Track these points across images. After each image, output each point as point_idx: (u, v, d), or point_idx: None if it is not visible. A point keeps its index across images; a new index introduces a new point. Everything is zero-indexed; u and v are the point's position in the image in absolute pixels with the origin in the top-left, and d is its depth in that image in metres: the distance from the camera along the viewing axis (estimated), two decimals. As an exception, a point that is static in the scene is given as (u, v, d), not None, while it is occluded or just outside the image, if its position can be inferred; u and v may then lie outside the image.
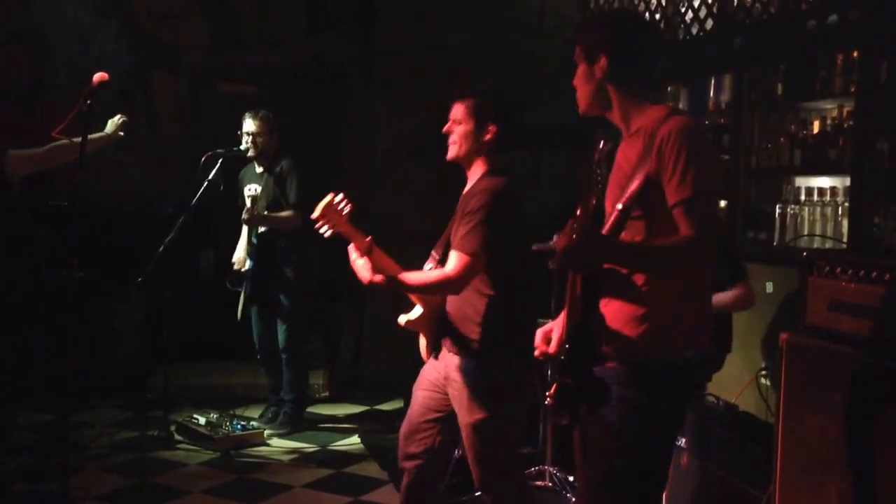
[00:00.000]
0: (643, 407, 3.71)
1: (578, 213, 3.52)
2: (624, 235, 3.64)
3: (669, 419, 3.87)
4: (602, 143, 3.61)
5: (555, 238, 6.92)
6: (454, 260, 4.71)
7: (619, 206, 3.57)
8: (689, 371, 3.83)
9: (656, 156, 3.59)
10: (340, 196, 4.93)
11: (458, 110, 5.12)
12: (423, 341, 5.20)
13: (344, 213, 4.92)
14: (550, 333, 4.09)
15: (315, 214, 4.96)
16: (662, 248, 3.62)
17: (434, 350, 5.13)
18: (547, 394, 3.82)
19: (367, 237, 4.94)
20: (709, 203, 3.67)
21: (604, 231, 3.57)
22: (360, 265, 4.86)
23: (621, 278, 3.72)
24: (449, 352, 4.97)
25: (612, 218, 3.58)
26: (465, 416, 4.88)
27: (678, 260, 3.61)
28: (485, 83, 5.08)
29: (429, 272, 4.81)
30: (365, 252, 4.90)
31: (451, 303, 4.99)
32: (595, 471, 3.86)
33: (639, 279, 3.71)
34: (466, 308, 4.91)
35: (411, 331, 5.18)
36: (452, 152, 5.16)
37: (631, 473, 3.76)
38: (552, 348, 4.04)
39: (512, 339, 4.85)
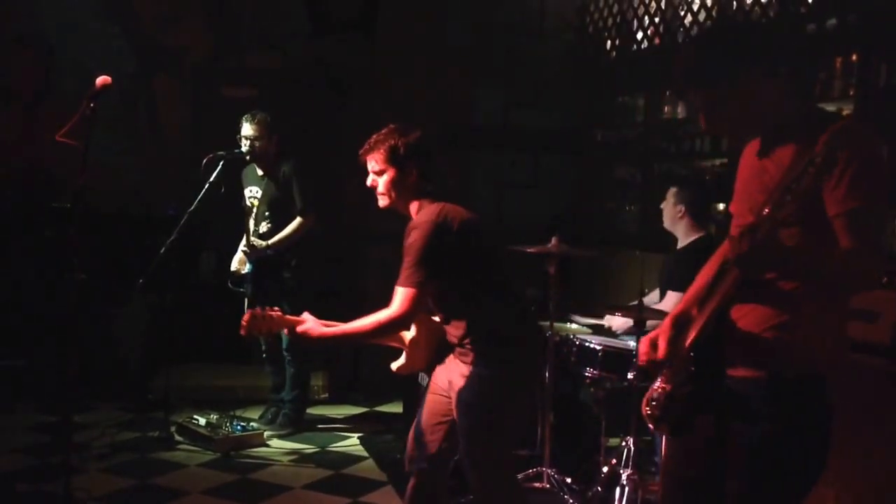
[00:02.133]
0: (785, 423, 3.52)
1: (765, 220, 3.31)
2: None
3: (814, 435, 3.58)
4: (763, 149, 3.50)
5: (552, 241, 6.94)
6: (399, 296, 4.72)
7: (767, 210, 3.31)
8: (824, 384, 3.58)
9: (822, 156, 3.27)
10: (257, 309, 4.91)
11: (374, 161, 5.05)
12: (402, 358, 5.21)
13: (269, 315, 4.89)
14: (656, 340, 3.88)
15: (243, 333, 4.96)
16: (830, 258, 3.43)
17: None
18: (645, 404, 3.76)
19: (300, 316, 4.90)
20: (876, 214, 3.48)
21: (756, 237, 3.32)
22: (309, 328, 4.84)
23: (766, 283, 3.54)
24: (456, 358, 4.99)
25: (768, 222, 3.30)
26: (463, 420, 4.89)
27: (843, 271, 3.44)
28: (390, 128, 4.99)
29: (376, 315, 4.76)
30: (305, 321, 4.89)
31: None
32: (737, 490, 3.64)
33: (786, 285, 3.53)
34: (459, 324, 4.96)
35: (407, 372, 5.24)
36: (384, 203, 5.11)
37: (772, 494, 3.58)
38: (660, 354, 3.84)
39: (507, 344, 4.87)
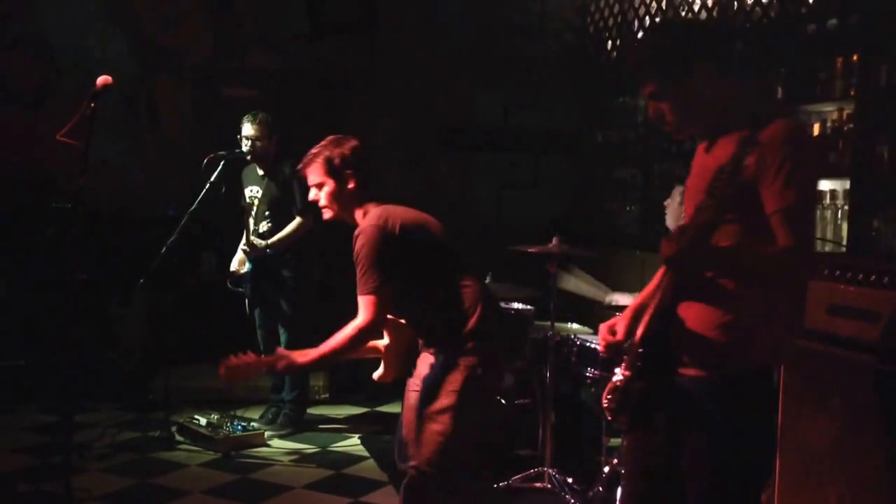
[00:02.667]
0: (730, 418, 3.62)
1: (689, 220, 3.46)
2: (714, 239, 3.54)
3: (760, 431, 3.75)
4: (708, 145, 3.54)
5: (553, 241, 6.93)
6: (362, 304, 4.75)
7: (712, 210, 3.45)
8: (771, 379, 3.75)
9: (757, 158, 3.41)
10: (231, 359, 4.88)
11: (313, 175, 5.07)
12: (380, 367, 5.21)
13: (244, 361, 4.88)
14: (615, 326, 4.00)
15: (225, 381, 4.97)
16: (764, 256, 3.52)
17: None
18: (604, 396, 3.81)
19: (272, 357, 4.91)
20: (810, 211, 3.58)
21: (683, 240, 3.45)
22: (290, 361, 4.85)
23: (707, 282, 3.63)
24: (424, 353, 5.04)
25: (705, 221, 3.44)
26: (419, 404, 4.89)
27: (779, 269, 3.54)
28: (326, 140, 5.00)
29: (344, 329, 4.76)
30: (282, 357, 4.89)
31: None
32: (692, 482, 3.73)
33: (728, 284, 3.62)
34: (419, 323, 5.02)
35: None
36: (328, 215, 5.15)
37: (728, 486, 3.67)
38: (619, 336, 3.95)
39: (468, 339, 4.84)
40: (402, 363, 5.14)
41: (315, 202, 5.13)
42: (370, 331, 4.79)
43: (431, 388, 4.88)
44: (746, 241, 3.55)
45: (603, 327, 4.05)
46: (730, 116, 3.74)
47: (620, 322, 4.00)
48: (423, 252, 4.94)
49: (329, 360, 5.00)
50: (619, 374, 3.78)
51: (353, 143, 5.10)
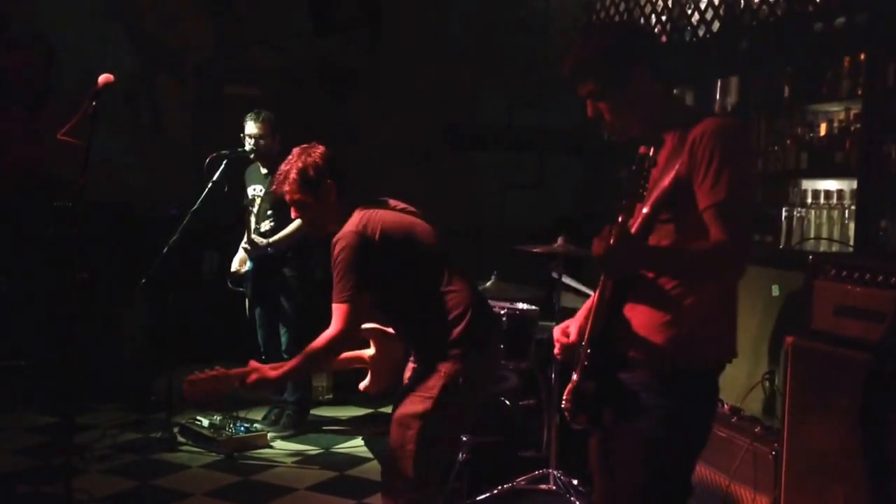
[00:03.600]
0: (672, 416, 3.65)
1: (620, 219, 3.46)
2: (652, 239, 3.60)
3: (699, 428, 3.81)
4: (648, 147, 3.55)
5: (558, 241, 6.91)
6: (335, 313, 4.66)
7: (646, 209, 3.53)
8: (714, 377, 3.78)
9: (688, 156, 3.52)
10: (195, 374, 4.78)
11: (292, 195, 4.96)
12: (367, 378, 5.15)
13: (210, 375, 4.76)
14: (568, 329, 4.05)
15: (189, 398, 4.85)
16: (696, 253, 3.55)
17: None
18: (563, 397, 3.80)
19: (243, 370, 4.76)
20: (743, 206, 3.57)
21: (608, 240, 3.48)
22: (262, 374, 4.74)
23: (648, 283, 3.67)
24: (411, 361, 5.00)
25: (640, 221, 3.53)
26: (399, 408, 4.84)
27: (712, 265, 3.55)
28: (293, 154, 4.93)
29: (318, 338, 4.69)
30: (254, 370, 4.78)
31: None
32: (623, 480, 3.81)
33: (666, 284, 3.66)
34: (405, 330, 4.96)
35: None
36: (317, 232, 5.10)
37: (659, 484, 3.72)
38: (572, 339, 4.00)
39: (453, 346, 4.76)
40: (390, 374, 5.07)
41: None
42: (342, 341, 4.71)
43: (407, 392, 4.83)
44: (683, 239, 3.60)
45: (556, 330, 4.11)
46: (664, 117, 3.79)
47: (573, 324, 4.06)
48: (405, 258, 4.82)
49: (304, 372, 4.96)
50: (575, 376, 3.81)
51: (321, 149, 5.00)
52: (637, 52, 3.81)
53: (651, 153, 3.47)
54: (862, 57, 6.79)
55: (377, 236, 4.71)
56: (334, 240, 4.74)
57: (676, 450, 3.71)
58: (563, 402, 3.80)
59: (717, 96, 8.24)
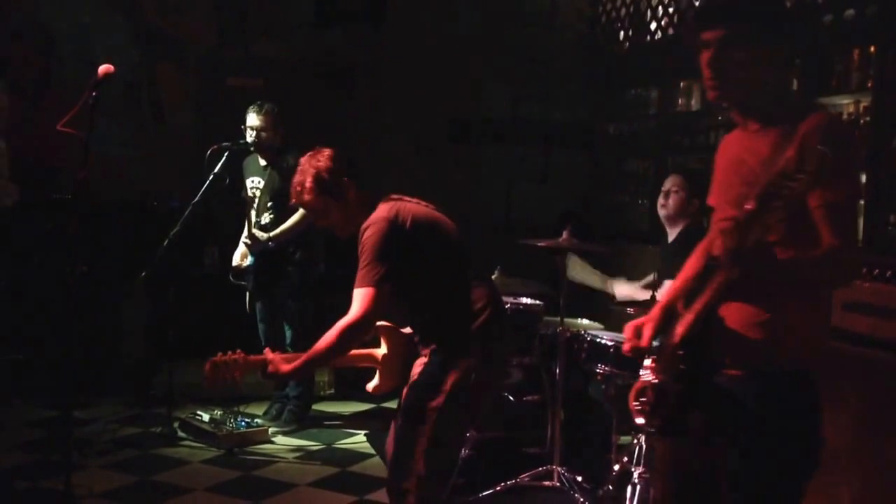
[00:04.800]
0: (772, 417, 3.53)
1: (742, 216, 3.26)
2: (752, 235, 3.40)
3: (803, 429, 3.61)
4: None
5: (563, 235, 6.83)
6: (357, 298, 4.62)
7: (750, 206, 3.24)
8: (815, 378, 3.62)
9: (798, 152, 3.24)
10: (218, 356, 4.79)
11: (314, 203, 4.98)
12: (376, 378, 5.12)
13: (232, 359, 4.77)
14: (642, 327, 3.87)
15: (207, 385, 4.87)
16: (813, 261, 3.45)
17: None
18: (632, 397, 3.70)
19: (261, 357, 4.80)
20: (854, 207, 3.50)
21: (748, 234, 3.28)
22: (279, 365, 4.75)
23: (747, 281, 3.44)
24: (420, 354, 4.92)
25: (744, 217, 3.27)
26: (405, 401, 4.85)
27: (831, 271, 3.47)
28: (301, 164, 4.93)
29: (337, 324, 4.64)
30: (271, 362, 4.78)
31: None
32: (733, 488, 3.64)
33: (766, 282, 3.49)
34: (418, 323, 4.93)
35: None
36: (343, 234, 5.04)
37: (768, 490, 3.58)
38: (643, 342, 3.82)
39: (466, 341, 4.77)
40: (398, 374, 5.03)
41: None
42: (363, 325, 4.66)
43: (418, 386, 4.79)
44: (785, 237, 3.39)
45: (628, 328, 3.92)
46: (777, 106, 3.61)
47: (647, 325, 3.86)
48: (433, 249, 4.85)
49: (319, 363, 4.90)
50: (647, 376, 3.69)
51: (328, 151, 5.01)
52: (785, 28, 3.70)
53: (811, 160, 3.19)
54: (872, 49, 6.76)
55: (408, 224, 4.72)
56: (364, 226, 4.73)
57: (784, 454, 3.55)
58: (633, 403, 3.68)
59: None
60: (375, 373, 5.07)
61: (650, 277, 7.43)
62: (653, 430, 3.75)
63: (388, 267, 4.60)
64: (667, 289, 6.89)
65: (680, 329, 3.55)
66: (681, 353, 3.53)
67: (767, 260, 3.36)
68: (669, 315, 3.73)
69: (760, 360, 3.54)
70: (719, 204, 3.75)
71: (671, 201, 7.01)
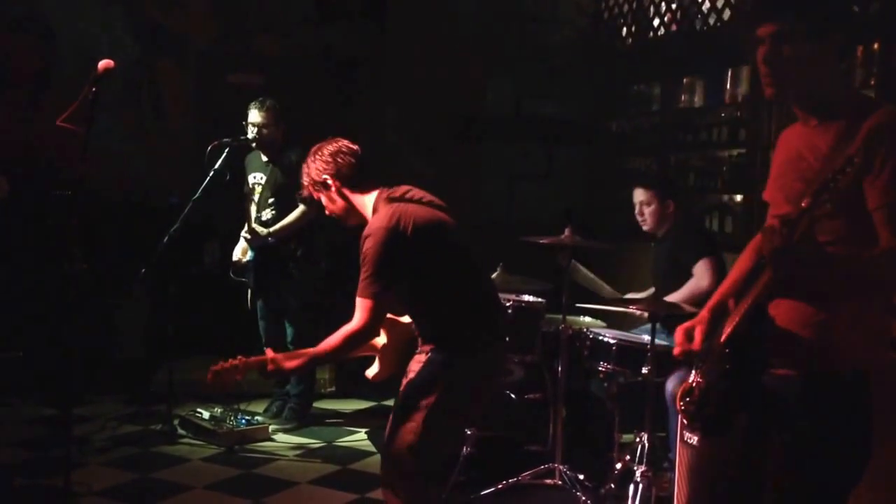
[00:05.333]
0: (825, 423, 3.46)
1: (795, 213, 3.26)
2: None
3: (855, 436, 3.52)
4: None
5: (565, 232, 6.81)
6: (359, 308, 4.66)
7: (806, 202, 3.24)
8: (868, 382, 3.52)
9: (861, 150, 3.21)
10: (219, 364, 4.78)
11: (312, 196, 5.15)
12: (375, 365, 5.11)
13: (233, 364, 4.76)
14: (693, 331, 3.81)
15: (212, 387, 4.87)
16: (870, 260, 3.36)
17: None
18: (686, 396, 3.67)
19: (261, 357, 4.80)
20: None
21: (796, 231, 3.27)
22: (280, 363, 4.78)
23: (802, 280, 3.45)
24: (418, 352, 4.91)
25: (798, 215, 3.26)
26: (402, 396, 4.84)
27: (885, 273, 3.39)
28: (305, 163, 5.02)
29: (340, 330, 4.70)
30: (271, 361, 4.78)
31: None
32: (781, 489, 3.57)
33: (822, 282, 3.45)
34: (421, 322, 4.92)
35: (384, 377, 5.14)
36: (347, 225, 5.15)
37: (813, 494, 3.52)
38: (695, 345, 3.76)
39: (467, 343, 4.78)
40: (398, 362, 5.04)
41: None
42: (366, 335, 4.72)
43: (415, 383, 4.79)
44: (843, 237, 3.38)
45: (679, 331, 3.85)
46: (835, 101, 3.54)
47: (698, 327, 3.80)
48: (435, 253, 4.83)
49: (321, 363, 4.94)
50: (693, 378, 3.66)
51: (330, 147, 5.06)
52: (845, 22, 3.64)
53: (864, 155, 3.19)
54: (875, 46, 6.73)
55: (409, 231, 4.70)
56: (364, 234, 4.74)
57: (831, 456, 3.47)
58: (680, 403, 3.67)
59: (728, 86, 8.18)
60: (375, 360, 5.07)
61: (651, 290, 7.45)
62: (698, 432, 3.71)
63: (388, 278, 4.63)
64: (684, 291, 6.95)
65: (728, 328, 3.53)
66: (728, 351, 3.50)
67: (815, 255, 3.33)
68: (719, 314, 3.70)
69: (813, 360, 3.47)
70: (775, 200, 3.68)
71: (648, 216, 7.09)
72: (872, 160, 3.24)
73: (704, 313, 3.83)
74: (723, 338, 3.53)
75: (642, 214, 7.17)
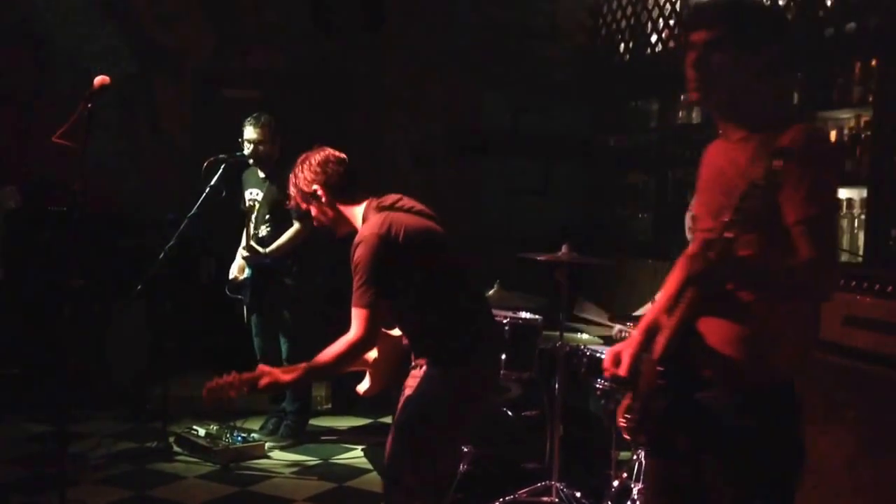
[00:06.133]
0: (758, 436, 3.52)
1: (726, 235, 3.30)
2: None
3: (784, 444, 3.60)
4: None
5: (563, 249, 6.81)
6: (355, 318, 4.64)
7: (728, 218, 3.32)
8: (793, 394, 3.61)
9: (768, 173, 3.27)
10: (213, 381, 4.76)
11: (300, 207, 5.13)
12: (366, 380, 5.11)
13: (227, 381, 4.73)
14: (621, 355, 3.83)
15: (208, 404, 4.85)
16: (789, 269, 3.43)
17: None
18: (619, 415, 3.72)
19: (254, 373, 4.77)
20: (833, 223, 3.52)
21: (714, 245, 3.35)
22: (274, 378, 4.74)
23: (726, 296, 3.52)
24: (413, 368, 4.91)
25: (720, 229, 3.33)
26: (400, 414, 4.85)
27: (806, 283, 3.45)
28: (294, 167, 5.03)
29: (337, 343, 4.67)
30: (266, 375, 4.76)
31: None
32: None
33: (746, 297, 3.51)
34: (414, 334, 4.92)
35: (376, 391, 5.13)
36: (338, 234, 5.13)
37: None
38: (622, 371, 3.79)
39: (462, 354, 4.75)
40: (390, 376, 5.05)
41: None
42: (362, 346, 4.69)
43: (411, 399, 4.80)
44: (764, 251, 3.44)
45: (608, 355, 3.91)
46: (758, 115, 3.60)
47: (626, 350, 3.83)
48: (426, 262, 4.80)
49: (317, 377, 4.93)
50: (631, 397, 3.71)
51: (317, 156, 5.03)
52: (776, 35, 3.67)
53: (766, 175, 3.24)
54: (873, 63, 6.74)
55: (401, 238, 4.69)
56: (355, 242, 4.73)
57: (769, 470, 3.55)
58: (622, 419, 3.71)
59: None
60: (366, 375, 5.06)
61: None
62: (641, 446, 3.77)
63: (381, 286, 4.61)
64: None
65: (659, 346, 3.59)
66: (660, 368, 3.55)
67: (735, 273, 3.40)
68: (653, 333, 3.71)
69: (741, 375, 3.53)
70: (701, 214, 3.75)
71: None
72: (789, 177, 3.28)
73: (637, 334, 3.86)
74: (655, 355, 3.59)
75: (672, 216, 7.10)
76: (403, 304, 4.78)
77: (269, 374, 4.72)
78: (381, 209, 4.85)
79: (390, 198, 4.94)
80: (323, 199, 4.94)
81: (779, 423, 3.54)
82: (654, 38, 9.73)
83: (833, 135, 7.08)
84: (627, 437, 3.79)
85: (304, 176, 4.96)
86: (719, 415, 3.54)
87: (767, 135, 3.45)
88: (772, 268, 3.47)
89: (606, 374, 3.89)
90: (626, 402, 3.72)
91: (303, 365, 4.76)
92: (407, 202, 4.96)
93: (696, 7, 3.77)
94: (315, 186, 4.93)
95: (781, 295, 3.52)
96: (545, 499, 6.69)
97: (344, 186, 4.96)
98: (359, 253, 4.64)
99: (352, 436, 8.81)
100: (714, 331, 3.55)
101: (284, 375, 4.75)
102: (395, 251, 4.64)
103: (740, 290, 3.51)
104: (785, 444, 3.57)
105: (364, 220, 4.85)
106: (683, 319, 3.51)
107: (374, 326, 4.63)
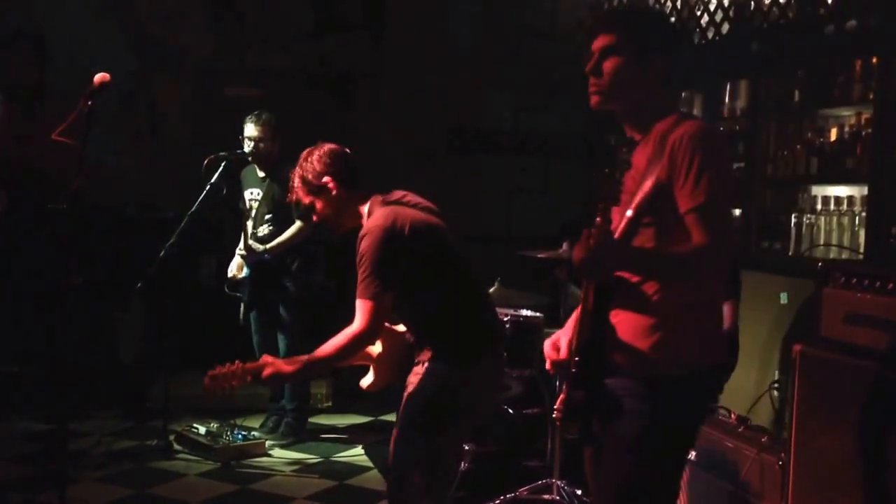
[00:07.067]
0: (657, 421, 3.63)
1: (597, 221, 3.45)
2: (634, 242, 3.57)
3: (684, 433, 3.81)
4: (624, 150, 3.51)
5: (563, 247, 6.82)
6: (359, 309, 4.63)
7: (629, 213, 3.50)
8: (701, 382, 3.77)
9: (668, 160, 3.53)
10: (216, 369, 4.77)
11: (302, 200, 5.05)
12: (369, 375, 5.09)
13: (230, 370, 4.74)
14: (559, 342, 3.96)
15: (209, 391, 4.81)
16: (676, 255, 3.55)
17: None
18: (555, 406, 3.75)
19: (258, 363, 4.77)
20: (723, 209, 3.61)
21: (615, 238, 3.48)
22: (277, 368, 4.72)
23: (631, 289, 3.65)
24: (417, 362, 4.89)
25: (623, 225, 3.49)
26: (404, 410, 4.82)
27: (692, 267, 3.57)
28: (299, 160, 4.99)
29: (340, 334, 4.66)
30: (269, 365, 4.74)
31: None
32: (608, 486, 3.80)
33: (649, 289, 3.64)
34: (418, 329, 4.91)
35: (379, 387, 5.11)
36: (336, 232, 5.11)
37: (644, 489, 3.70)
38: (562, 354, 3.91)
39: (466, 349, 4.77)
40: (393, 372, 5.02)
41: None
42: (365, 338, 4.68)
43: (414, 396, 4.78)
44: (664, 242, 3.60)
45: (547, 344, 4.04)
46: (650, 118, 3.78)
47: (563, 336, 3.98)
48: (431, 256, 4.80)
49: (320, 368, 4.88)
50: (565, 385, 3.78)
51: (323, 149, 5.02)
52: (672, 46, 3.90)
53: (626, 158, 3.53)
54: (874, 61, 6.72)
55: (406, 231, 4.69)
56: (360, 234, 4.72)
57: (656, 455, 3.69)
58: (555, 411, 3.75)
59: (727, 99, 8.16)
60: (369, 370, 5.05)
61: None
62: (572, 437, 3.84)
63: (386, 278, 4.59)
64: None
65: (574, 337, 3.73)
66: (576, 359, 3.65)
67: (616, 253, 3.49)
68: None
69: (644, 365, 3.65)
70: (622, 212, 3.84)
71: None
72: (678, 170, 3.52)
73: (569, 324, 4.00)
74: (573, 347, 3.72)
75: None
76: (407, 298, 4.77)
77: (272, 364, 4.70)
78: (386, 204, 4.85)
79: (396, 194, 4.94)
80: (333, 192, 4.91)
81: (671, 412, 3.66)
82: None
83: (834, 132, 7.07)
84: (559, 427, 3.91)
85: (314, 167, 4.92)
86: (620, 399, 3.66)
87: (662, 135, 3.63)
88: (659, 253, 3.61)
89: (548, 363, 4.00)
90: (561, 395, 3.76)
91: (305, 356, 4.75)
92: (412, 198, 4.96)
93: (600, 14, 3.97)
94: (326, 178, 4.89)
95: (679, 283, 3.65)
96: (546, 497, 6.69)
97: (350, 178, 4.95)
98: (364, 245, 4.63)
99: (352, 434, 8.81)
100: (622, 322, 3.68)
101: (287, 366, 4.71)
102: (401, 244, 4.64)
103: (644, 282, 3.64)
104: (673, 433, 3.71)
105: (369, 214, 4.84)
106: (584, 310, 3.64)
107: (377, 318, 4.62)
